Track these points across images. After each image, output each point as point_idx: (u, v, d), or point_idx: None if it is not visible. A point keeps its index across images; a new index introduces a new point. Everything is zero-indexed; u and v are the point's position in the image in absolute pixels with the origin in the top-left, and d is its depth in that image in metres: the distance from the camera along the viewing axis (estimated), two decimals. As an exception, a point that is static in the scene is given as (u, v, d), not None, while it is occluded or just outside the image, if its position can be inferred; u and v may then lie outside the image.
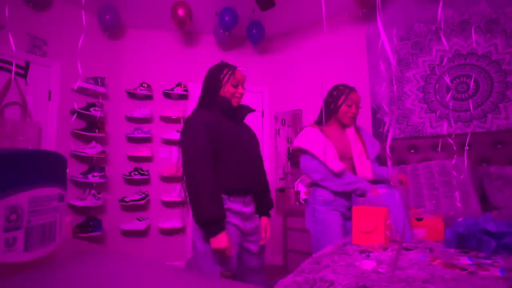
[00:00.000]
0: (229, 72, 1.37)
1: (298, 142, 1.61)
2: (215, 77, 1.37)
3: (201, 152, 1.19)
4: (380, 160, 1.79)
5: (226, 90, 1.35)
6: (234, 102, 1.37)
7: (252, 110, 1.45)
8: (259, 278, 1.38)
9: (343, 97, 1.62)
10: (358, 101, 1.64)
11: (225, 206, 1.22)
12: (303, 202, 2.85)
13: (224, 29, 3.06)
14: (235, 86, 1.37)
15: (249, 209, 1.33)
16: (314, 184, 1.62)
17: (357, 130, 1.74)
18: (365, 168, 1.64)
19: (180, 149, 1.26)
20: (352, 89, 1.65)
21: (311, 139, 1.57)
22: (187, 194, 1.22)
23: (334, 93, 1.66)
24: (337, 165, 1.50)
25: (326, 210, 1.55)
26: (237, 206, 1.27)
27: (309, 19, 3.26)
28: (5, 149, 0.33)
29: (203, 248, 1.21)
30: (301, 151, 1.60)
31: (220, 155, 1.25)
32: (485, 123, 2.27)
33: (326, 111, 1.65)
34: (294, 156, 3.31)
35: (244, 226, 1.30)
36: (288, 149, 3.42)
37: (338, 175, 1.51)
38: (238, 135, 1.34)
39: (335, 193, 1.55)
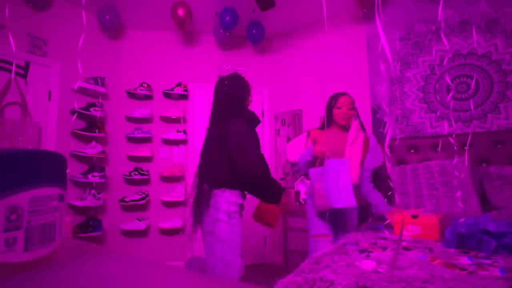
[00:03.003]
0: (249, 86, 1.61)
1: (287, 156, 1.90)
2: (245, 90, 1.57)
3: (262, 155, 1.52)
4: (374, 175, 1.85)
5: (248, 101, 1.59)
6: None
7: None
8: None
9: (333, 101, 1.83)
10: (348, 103, 1.79)
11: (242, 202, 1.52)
12: (303, 202, 2.85)
13: (224, 29, 3.06)
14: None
15: None
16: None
17: (366, 138, 1.83)
18: (352, 172, 1.70)
19: (239, 147, 1.44)
20: (342, 94, 1.83)
21: (293, 148, 1.85)
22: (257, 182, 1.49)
23: (333, 101, 1.86)
24: (293, 157, 1.81)
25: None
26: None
27: (309, 19, 3.26)
28: (5, 149, 0.33)
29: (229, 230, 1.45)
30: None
31: None
32: (485, 123, 2.26)
33: (327, 116, 1.88)
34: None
35: None
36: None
37: (294, 164, 1.82)
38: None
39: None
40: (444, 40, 2.46)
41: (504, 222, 1.01)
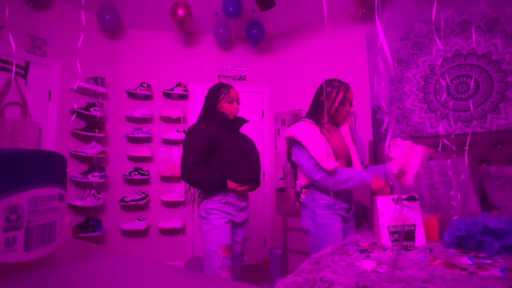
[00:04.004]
0: (225, 91, 1.66)
1: (293, 132, 1.51)
2: (213, 95, 1.67)
3: (196, 157, 1.53)
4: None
5: (223, 106, 1.65)
6: (231, 116, 1.66)
7: (246, 121, 1.75)
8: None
9: (340, 95, 1.54)
10: (352, 99, 1.58)
11: (223, 200, 1.56)
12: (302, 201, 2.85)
13: (228, 17, 2.85)
14: (230, 103, 1.66)
15: (243, 203, 1.64)
16: (311, 186, 1.55)
17: (351, 130, 1.68)
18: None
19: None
20: (347, 86, 1.57)
21: (309, 135, 1.47)
22: (191, 186, 1.64)
23: (328, 89, 1.57)
24: (331, 164, 1.42)
25: (328, 215, 1.48)
26: (233, 200, 1.58)
27: (309, 19, 3.26)
28: (5, 149, 0.33)
29: (206, 228, 1.56)
30: (296, 142, 1.52)
31: (222, 158, 1.57)
32: (485, 123, 2.26)
33: (321, 108, 1.56)
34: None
35: (237, 218, 1.61)
36: (288, 149, 3.42)
37: (332, 174, 1.43)
38: (234, 142, 1.63)
39: (336, 194, 1.48)
40: (438, 42, 2.45)
41: (506, 219, 1.00)
